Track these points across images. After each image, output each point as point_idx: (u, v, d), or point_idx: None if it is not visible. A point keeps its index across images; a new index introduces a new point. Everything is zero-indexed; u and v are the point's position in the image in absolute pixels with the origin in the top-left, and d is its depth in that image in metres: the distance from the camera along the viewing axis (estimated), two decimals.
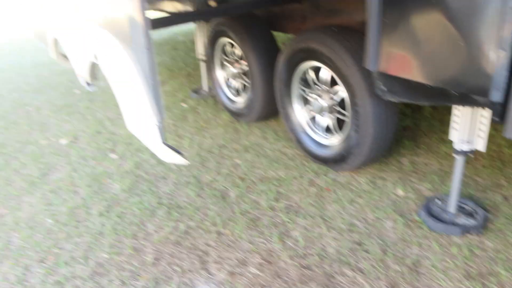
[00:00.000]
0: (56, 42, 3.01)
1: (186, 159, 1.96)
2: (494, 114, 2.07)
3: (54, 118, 4.29)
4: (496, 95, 1.91)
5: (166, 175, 3.02)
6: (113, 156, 3.38)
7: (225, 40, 3.73)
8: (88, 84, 2.41)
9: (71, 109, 4.50)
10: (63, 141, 3.73)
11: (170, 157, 1.85)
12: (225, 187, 2.82)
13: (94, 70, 2.31)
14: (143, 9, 1.52)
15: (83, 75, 2.35)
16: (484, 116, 2.21)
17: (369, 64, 2.32)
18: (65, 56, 3.00)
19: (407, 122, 3.51)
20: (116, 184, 2.97)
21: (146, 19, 1.51)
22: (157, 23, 2.70)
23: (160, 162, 3.18)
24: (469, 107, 2.28)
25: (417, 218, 2.39)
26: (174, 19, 2.97)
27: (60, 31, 2.79)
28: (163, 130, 1.68)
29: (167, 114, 4.06)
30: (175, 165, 3.10)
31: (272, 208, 2.57)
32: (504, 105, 1.95)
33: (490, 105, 2.04)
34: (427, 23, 2.03)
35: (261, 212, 2.55)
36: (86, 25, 2.11)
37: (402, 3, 2.10)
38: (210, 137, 3.54)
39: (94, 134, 3.81)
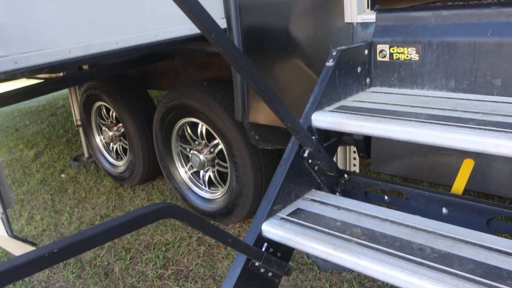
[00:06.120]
0: None
1: None
2: (359, 151, 2.19)
3: None
4: None
5: None
6: None
7: (99, 103, 3.57)
8: None
9: None
10: None
11: (23, 250, 1.63)
12: (109, 262, 2.58)
13: None
14: None
15: None
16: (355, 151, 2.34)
17: (239, 116, 2.34)
18: None
19: None
20: None
21: None
22: (12, 98, 2.47)
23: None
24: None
25: (308, 260, 2.39)
26: (36, 89, 2.74)
27: None
28: (9, 221, 1.48)
29: (43, 188, 3.71)
30: None
31: (160, 277, 2.40)
32: (367, 143, 2.07)
33: (354, 143, 2.16)
34: (282, 73, 2.12)
35: (148, 283, 2.36)
36: None
37: (260, 53, 2.18)
38: (91, 208, 3.28)
39: None
